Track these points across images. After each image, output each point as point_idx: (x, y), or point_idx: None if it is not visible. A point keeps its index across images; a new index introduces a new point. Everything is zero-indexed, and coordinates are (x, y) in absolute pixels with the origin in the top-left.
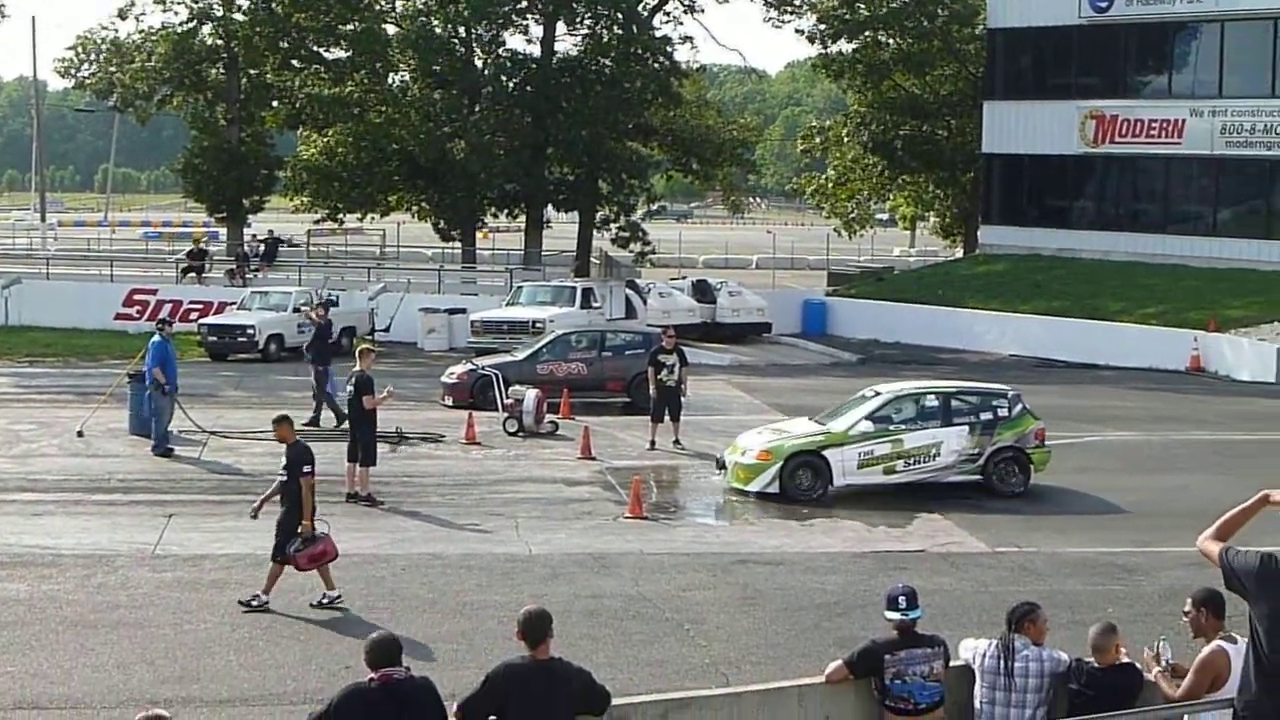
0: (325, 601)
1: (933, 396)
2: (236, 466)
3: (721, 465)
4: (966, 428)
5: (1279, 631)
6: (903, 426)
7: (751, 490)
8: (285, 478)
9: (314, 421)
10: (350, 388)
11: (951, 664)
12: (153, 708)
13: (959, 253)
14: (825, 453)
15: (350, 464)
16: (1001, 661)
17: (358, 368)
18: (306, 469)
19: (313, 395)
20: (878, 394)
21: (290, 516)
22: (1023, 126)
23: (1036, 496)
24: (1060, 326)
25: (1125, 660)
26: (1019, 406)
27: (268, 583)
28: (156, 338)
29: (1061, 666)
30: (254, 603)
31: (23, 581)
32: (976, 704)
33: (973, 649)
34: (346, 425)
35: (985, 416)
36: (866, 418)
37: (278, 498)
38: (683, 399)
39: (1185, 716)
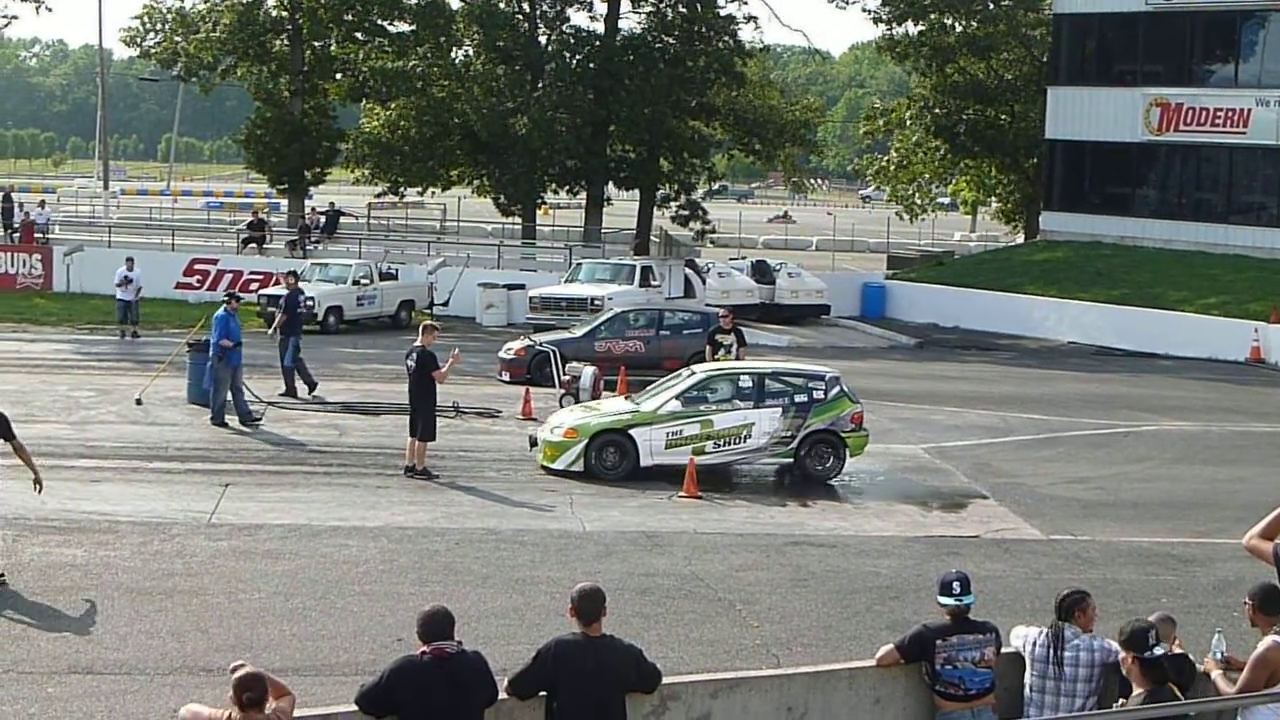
0: None
1: (746, 377)
2: (293, 437)
3: (534, 443)
4: (779, 410)
5: None
6: (714, 407)
7: (557, 468)
8: None
9: (292, 393)
10: (411, 363)
11: (1003, 651)
12: (246, 664)
13: (1020, 238)
14: (632, 431)
15: (411, 438)
16: (1051, 650)
17: (419, 343)
18: None
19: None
20: (693, 373)
21: None
22: (1087, 113)
23: (1091, 485)
24: (1120, 314)
25: (1179, 650)
26: (836, 389)
27: None
28: (221, 311)
29: (1113, 656)
30: None
31: (80, 547)
32: (1026, 692)
33: (1023, 636)
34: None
35: (800, 399)
36: (676, 397)
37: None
38: None
39: (1239, 709)
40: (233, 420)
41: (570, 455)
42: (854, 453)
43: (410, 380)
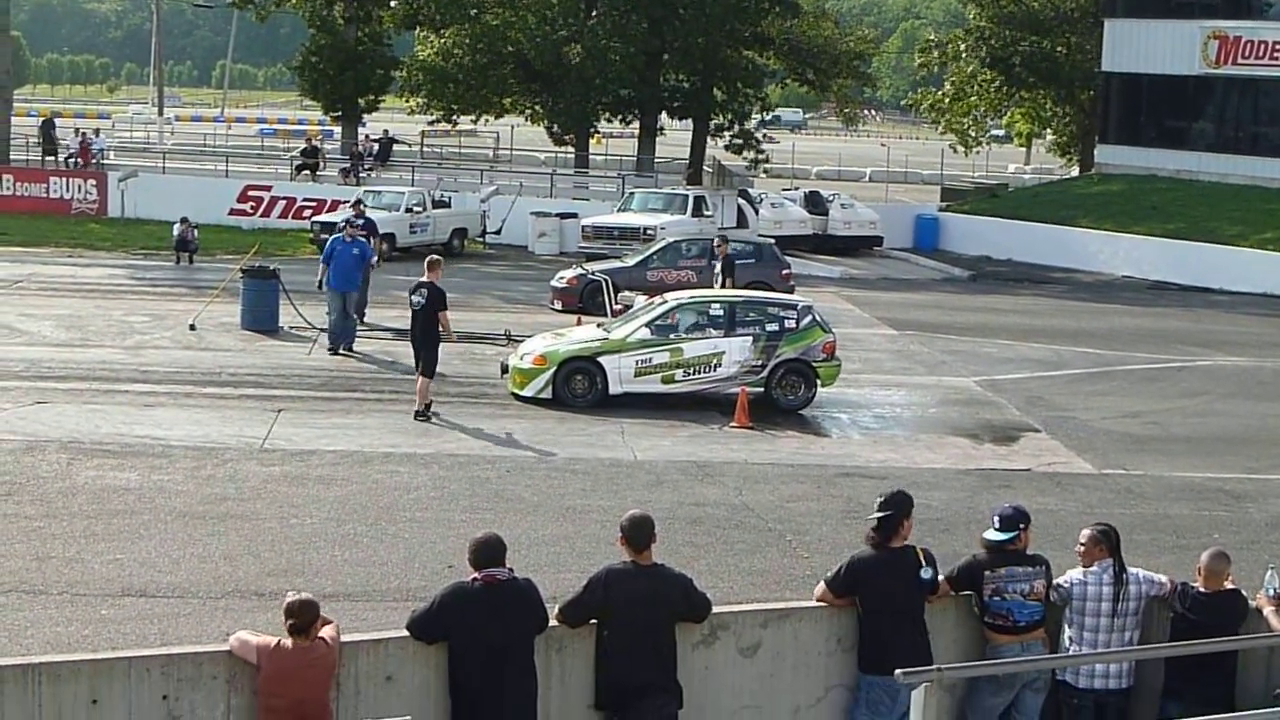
0: None
1: (717, 306)
2: (346, 363)
3: (505, 369)
4: (750, 339)
5: None
6: (684, 335)
7: (526, 395)
8: None
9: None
10: (421, 299)
11: (1054, 583)
12: (302, 592)
13: (1075, 171)
14: (600, 359)
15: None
16: (1114, 588)
17: (426, 278)
18: None
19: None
20: (665, 301)
21: None
22: (1144, 45)
23: (1144, 420)
24: (1175, 248)
25: (1231, 587)
26: (808, 318)
27: None
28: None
29: (1161, 590)
30: None
31: (133, 471)
32: (1069, 630)
33: (1069, 579)
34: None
35: (771, 328)
36: (646, 325)
37: None
38: None
39: None
40: (293, 344)
41: (539, 382)
42: (825, 383)
43: (417, 317)
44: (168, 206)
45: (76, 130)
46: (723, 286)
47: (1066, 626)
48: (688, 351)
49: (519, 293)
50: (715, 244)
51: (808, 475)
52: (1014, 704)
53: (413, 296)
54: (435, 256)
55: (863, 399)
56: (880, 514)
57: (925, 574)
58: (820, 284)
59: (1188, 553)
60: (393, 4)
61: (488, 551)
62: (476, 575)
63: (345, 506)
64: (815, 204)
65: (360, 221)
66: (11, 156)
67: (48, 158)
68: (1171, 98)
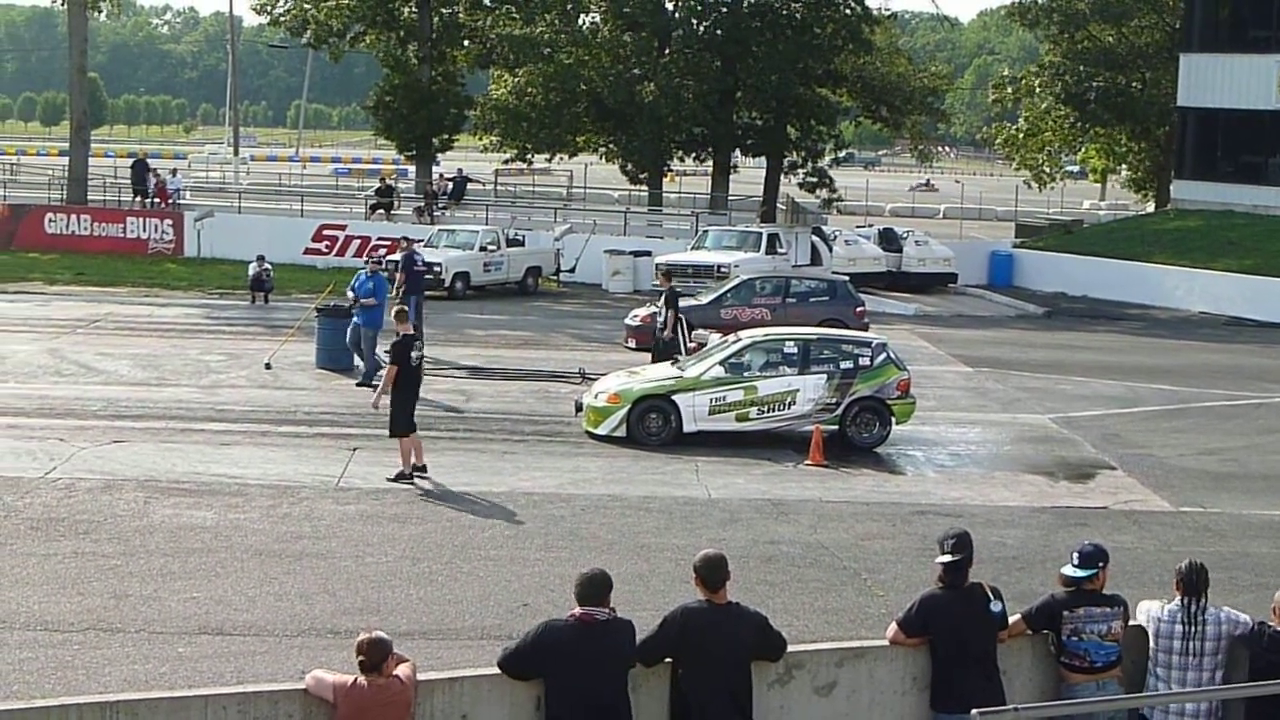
0: None
1: (791, 344)
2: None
3: (579, 408)
4: (824, 376)
5: None
6: (758, 373)
7: (600, 433)
8: None
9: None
10: (419, 353)
11: (1131, 624)
12: (375, 630)
13: (1150, 207)
14: (675, 397)
15: (401, 437)
16: (1186, 627)
17: (404, 330)
18: None
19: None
20: (739, 339)
21: None
22: (1220, 80)
23: (1222, 457)
24: (1252, 284)
25: None
26: (882, 356)
27: None
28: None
29: (1242, 628)
30: None
31: (210, 510)
32: (1156, 667)
33: (1146, 612)
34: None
35: (845, 365)
36: (720, 363)
37: None
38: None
39: None
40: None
41: (613, 420)
42: (900, 420)
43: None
44: (243, 246)
45: (153, 171)
46: (664, 324)
47: (1151, 664)
48: (762, 389)
49: (593, 331)
50: (657, 273)
51: (882, 513)
52: None
53: (417, 351)
54: (401, 307)
55: (937, 436)
56: (953, 558)
57: (995, 608)
58: (894, 321)
59: (1266, 591)
60: (466, 44)
61: (591, 588)
62: (575, 612)
63: (420, 545)
64: (889, 241)
65: (399, 258)
66: (90, 197)
67: (138, 198)
68: (1248, 132)
